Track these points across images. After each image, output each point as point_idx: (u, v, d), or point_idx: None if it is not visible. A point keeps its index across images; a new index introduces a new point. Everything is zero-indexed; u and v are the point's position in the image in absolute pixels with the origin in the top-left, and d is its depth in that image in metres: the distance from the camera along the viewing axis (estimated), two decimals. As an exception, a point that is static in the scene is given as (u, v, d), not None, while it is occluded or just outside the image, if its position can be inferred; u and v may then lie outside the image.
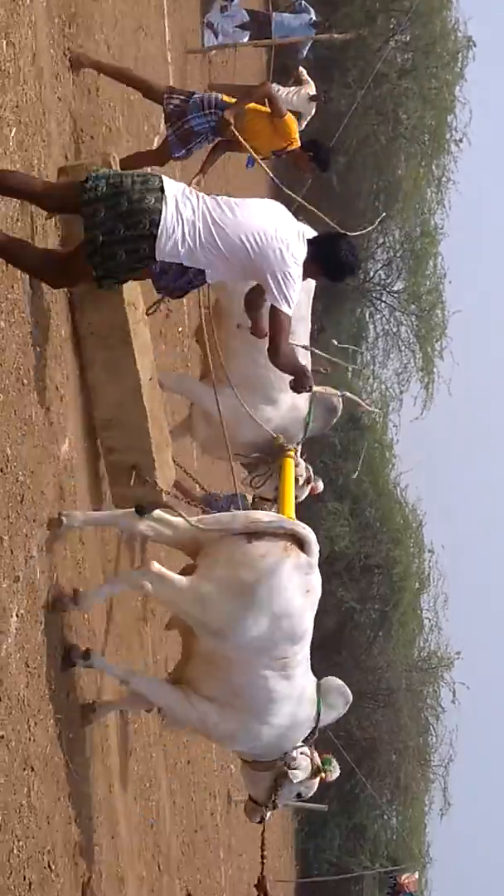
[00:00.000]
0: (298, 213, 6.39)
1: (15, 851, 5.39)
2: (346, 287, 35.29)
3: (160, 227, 4.90)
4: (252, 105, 8.04)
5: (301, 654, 6.03)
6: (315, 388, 7.50)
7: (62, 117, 6.93)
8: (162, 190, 4.94)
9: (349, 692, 6.52)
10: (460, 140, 32.20)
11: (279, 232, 5.25)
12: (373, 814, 33.15)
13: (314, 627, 6.14)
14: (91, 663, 6.22)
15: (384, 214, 28.85)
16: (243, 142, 7.65)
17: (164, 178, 5.07)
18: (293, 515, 7.02)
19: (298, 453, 8.49)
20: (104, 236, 4.86)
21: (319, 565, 6.11)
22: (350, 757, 28.08)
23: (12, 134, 5.38)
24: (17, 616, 5.67)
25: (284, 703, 6.04)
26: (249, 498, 8.55)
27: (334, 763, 6.66)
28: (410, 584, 34.19)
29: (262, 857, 6.70)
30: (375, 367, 37.22)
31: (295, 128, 8.35)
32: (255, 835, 7.04)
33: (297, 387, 6.01)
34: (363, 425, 34.44)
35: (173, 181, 5.12)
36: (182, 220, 4.94)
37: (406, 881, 17.99)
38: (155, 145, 9.38)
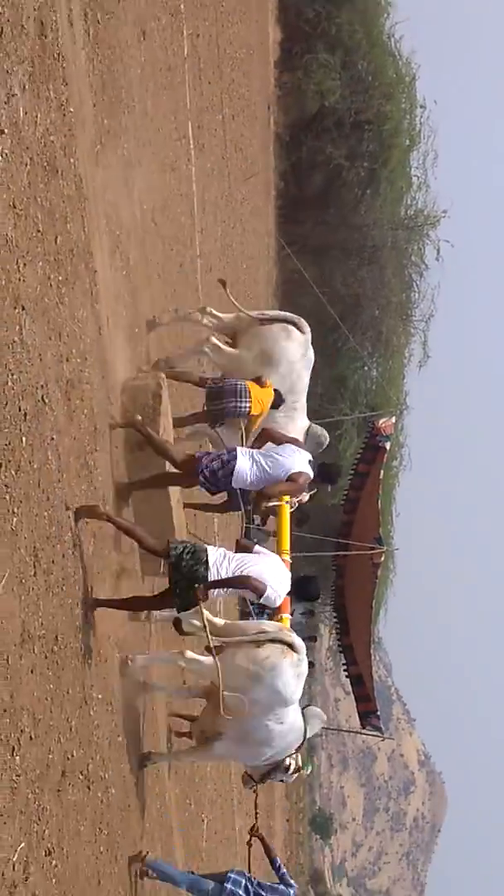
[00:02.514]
0: None
1: (9, 384, 5.63)
2: None
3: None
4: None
5: (292, 707, 8.94)
6: (307, 423, 10.84)
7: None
8: (207, 562, 7.95)
9: (324, 715, 9.68)
10: None
11: (277, 585, 8.33)
12: (354, 365, 34.27)
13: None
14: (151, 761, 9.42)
15: None
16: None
17: (209, 549, 8.06)
18: (287, 546, 10.46)
19: None
20: (178, 587, 7.93)
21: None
22: (334, 311, 28.69)
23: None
24: (2, 156, 5.63)
25: (279, 739, 9.03)
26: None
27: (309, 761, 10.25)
28: (400, 140, 33.51)
29: (256, 812, 10.26)
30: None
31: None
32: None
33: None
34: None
35: (214, 549, 8.11)
36: (220, 576, 7.98)
37: (383, 425, 18.94)
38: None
